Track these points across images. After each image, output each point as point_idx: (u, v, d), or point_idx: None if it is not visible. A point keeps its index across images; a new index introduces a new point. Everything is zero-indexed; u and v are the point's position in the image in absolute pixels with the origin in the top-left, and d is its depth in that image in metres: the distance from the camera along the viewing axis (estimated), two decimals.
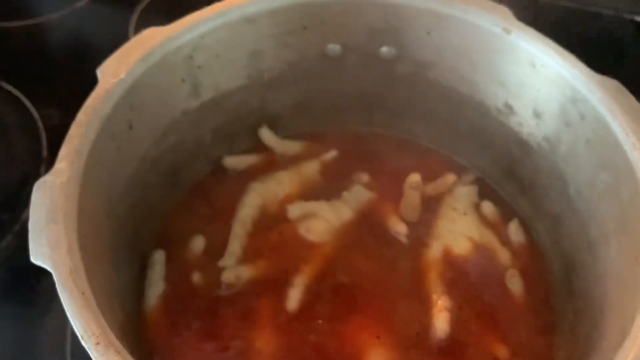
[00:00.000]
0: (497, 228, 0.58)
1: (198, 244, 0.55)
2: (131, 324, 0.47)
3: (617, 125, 0.44)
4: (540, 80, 0.51)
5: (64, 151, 0.40)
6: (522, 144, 0.55)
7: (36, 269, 0.62)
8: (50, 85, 0.78)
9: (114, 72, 0.44)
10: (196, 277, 0.53)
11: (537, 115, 0.53)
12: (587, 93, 0.46)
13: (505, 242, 0.57)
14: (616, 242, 0.44)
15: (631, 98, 0.45)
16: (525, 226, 0.58)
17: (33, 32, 0.85)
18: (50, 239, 0.36)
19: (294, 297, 0.52)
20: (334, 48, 0.57)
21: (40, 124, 0.74)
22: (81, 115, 0.42)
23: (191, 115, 0.54)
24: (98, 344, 0.32)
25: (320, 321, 0.51)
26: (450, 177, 0.59)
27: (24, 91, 0.78)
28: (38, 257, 0.35)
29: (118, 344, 0.32)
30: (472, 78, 0.56)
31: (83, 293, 0.34)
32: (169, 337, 0.50)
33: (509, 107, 0.55)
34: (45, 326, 0.59)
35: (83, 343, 0.32)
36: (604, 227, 0.46)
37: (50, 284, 0.60)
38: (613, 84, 0.46)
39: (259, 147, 0.63)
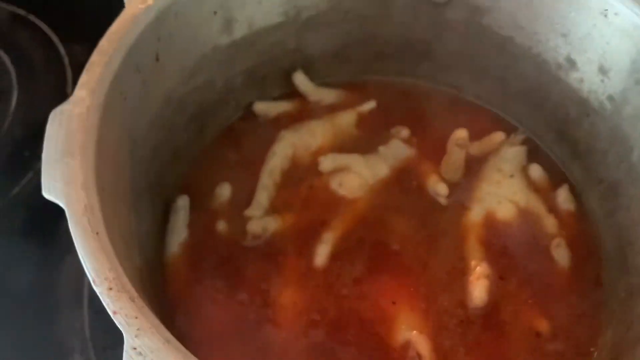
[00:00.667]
0: (545, 193, 0.54)
1: (224, 191, 0.52)
2: (150, 271, 0.45)
3: None
4: (611, 31, 0.45)
5: (85, 79, 0.37)
6: (582, 103, 0.50)
7: (57, 208, 0.61)
8: (78, 21, 0.76)
9: None
10: (221, 226, 0.51)
11: (602, 71, 0.47)
12: None
13: (552, 209, 0.53)
14: None
15: None
16: (576, 193, 0.53)
17: None
18: (64, 173, 0.33)
19: (321, 254, 0.49)
20: None
21: (66, 60, 0.72)
22: (104, 42, 0.38)
23: (222, 53, 0.51)
24: (111, 289, 0.29)
25: (347, 281, 0.48)
26: (498, 136, 0.55)
27: (51, 26, 0.75)
28: (51, 192, 0.32)
29: (133, 290, 0.30)
30: (532, 27, 0.50)
31: (97, 233, 0.31)
32: (189, 286, 0.48)
33: (571, 62, 0.50)
34: (63, 267, 0.58)
35: (95, 288, 0.30)
36: None
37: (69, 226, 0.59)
38: None
39: (292, 94, 0.59)
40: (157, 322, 0.29)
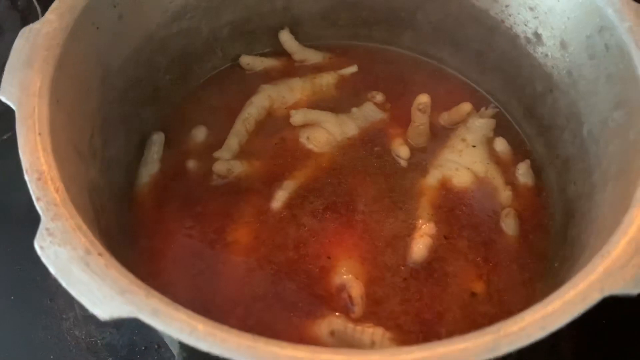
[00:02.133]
0: (506, 167, 0.55)
1: (199, 134, 0.56)
2: (116, 191, 0.49)
3: None
4: (570, 6, 0.46)
5: (56, 4, 0.41)
6: (546, 78, 0.51)
7: None
8: None
9: None
10: (191, 164, 0.54)
11: (563, 46, 0.48)
12: (616, 21, 0.42)
13: (511, 182, 0.54)
14: (613, 185, 0.40)
15: None
16: (536, 169, 0.54)
17: None
18: (21, 80, 0.37)
19: (279, 199, 0.52)
20: None
21: None
22: None
23: (207, 2, 0.54)
24: (39, 179, 0.33)
25: (299, 226, 0.51)
26: (466, 106, 0.56)
27: None
28: (6, 95, 0.36)
29: (59, 183, 0.33)
30: (504, 0, 0.51)
31: (39, 134, 0.35)
32: (154, 212, 0.52)
33: (538, 36, 0.51)
34: None
35: (25, 176, 0.33)
36: (607, 171, 0.42)
37: None
38: None
39: (278, 52, 0.62)
40: (74, 212, 0.33)
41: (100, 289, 0.29)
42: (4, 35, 0.76)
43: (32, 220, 0.59)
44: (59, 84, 0.39)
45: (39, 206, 0.32)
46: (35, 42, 0.39)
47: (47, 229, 0.31)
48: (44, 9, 0.76)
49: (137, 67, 0.50)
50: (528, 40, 0.52)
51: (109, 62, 0.46)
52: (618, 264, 0.32)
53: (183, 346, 0.32)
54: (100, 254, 0.31)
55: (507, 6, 0.52)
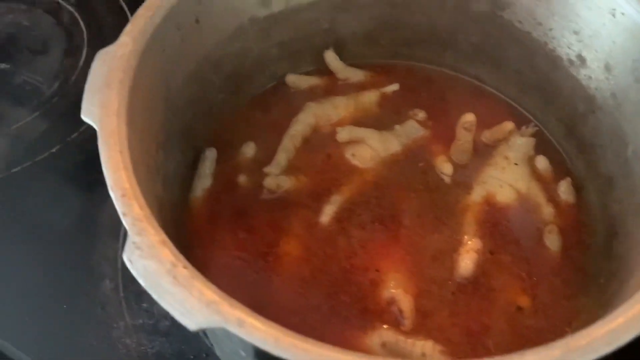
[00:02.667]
0: (547, 184, 0.56)
1: (249, 149, 0.58)
2: (173, 206, 0.51)
3: None
4: (617, 31, 0.48)
5: (129, 28, 0.43)
6: (589, 100, 0.53)
7: None
8: None
9: None
10: (242, 179, 0.56)
11: (608, 69, 0.50)
12: None
13: (552, 199, 0.55)
14: None
15: None
16: (577, 187, 0.56)
17: None
18: (101, 101, 0.39)
19: (327, 213, 0.54)
20: None
21: None
22: (150, 0, 0.44)
23: (259, 24, 0.56)
24: (124, 196, 0.35)
25: (347, 239, 0.52)
26: (508, 125, 0.58)
27: None
28: (87, 114, 0.38)
29: (142, 200, 0.35)
30: (548, 23, 0.53)
31: (121, 152, 0.37)
32: (207, 225, 0.54)
33: (581, 59, 0.52)
34: (106, 205, 0.64)
35: (111, 193, 0.36)
36: None
37: None
38: None
39: (322, 70, 0.64)
40: (157, 227, 0.35)
41: (187, 300, 0.31)
42: (50, 51, 0.79)
43: (80, 233, 0.62)
44: (133, 104, 0.41)
45: (125, 221, 0.34)
46: (112, 64, 0.41)
47: (134, 243, 0.33)
48: (88, 26, 0.80)
49: (194, 86, 0.52)
50: (571, 62, 0.53)
51: (171, 82, 0.49)
52: None
53: (259, 356, 0.34)
54: (185, 267, 0.33)
55: (550, 29, 0.53)
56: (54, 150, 0.68)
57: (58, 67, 0.76)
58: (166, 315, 0.57)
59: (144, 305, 0.58)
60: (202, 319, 0.31)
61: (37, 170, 0.67)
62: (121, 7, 0.83)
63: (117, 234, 0.63)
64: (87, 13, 0.82)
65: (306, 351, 0.30)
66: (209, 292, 0.32)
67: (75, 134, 0.70)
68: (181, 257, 0.34)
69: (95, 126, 0.38)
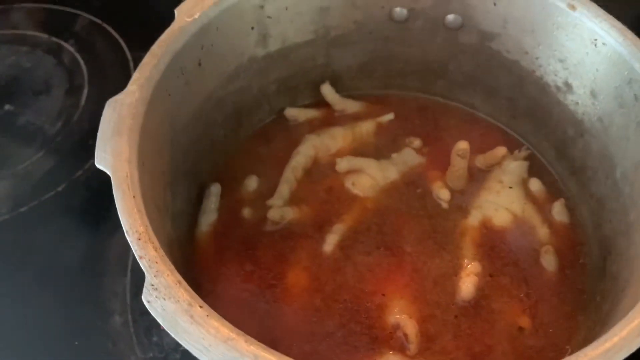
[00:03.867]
0: (542, 206, 0.58)
1: (252, 183, 0.60)
2: (182, 243, 0.53)
3: None
4: (599, 59, 0.50)
5: (136, 76, 0.45)
6: (577, 124, 0.55)
7: (111, 192, 0.70)
8: (145, 31, 0.86)
9: (189, 12, 0.49)
10: (246, 212, 0.58)
11: (593, 95, 0.52)
12: None
13: (547, 220, 0.57)
14: None
15: None
16: (570, 207, 0.58)
17: None
18: (113, 148, 0.41)
19: (330, 242, 0.55)
20: (400, 12, 0.59)
21: (131, 64, 0.82)
22: (155, 47, 0.47)
23: (258, 63, 0.58)
24: (139, 239, 0.37)
25: (350, 267, 0.54)
26: (501, 150, 0.60)
27: (121, 34, 0.86)
28: (101, 162, 0.40)
29: (157, 242, 0.37)
30: (534, 53, 0.56)
31: (134, 197, 0.39)
32: (214, 260, 0.55)
33: (568, 86, 0.55)
34: (113, 241, 0.66)
35: (127, 237, 0.37)
36: None
37: None
38: None
39: (319, 103, 0.67)
40: (172, 268, 0.36)
41: (205, 338, 0.33)
42: (52, 91, 0.81)
43: (88, 269, 0.63)
44: (143, 148, 0.43)
45: (142, 264, 0.36)
46: (121, 112, 0.43)
47: (152, 285, 0.35)
48: (88, 65, 0.82)
49: (197, 125, 0.54)
50: (558, 88, 0.56)
51: (176, 123, 0.51)
52: None
53: None
54: (201, 306, 0.34)
55: (537, 58, 0.56)
56: (59, 188, 0.70)
57: (60, 107, 0.78)
58: (176, 349, 0.58)
59: (154, 339, 0.59)
60: (220, 355, 0.32)
61: (44, 209, 0.68)
62: (120, 46, 0.85)
63: (125, 269, 0.64)
64: (87, 53, 0.84)
65: None
66: (225, 330, 0.33)
67: (80, 172, 0.71)
68: (196, 296, 0.35)
69: (109, 173, 0.40)
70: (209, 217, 0.58)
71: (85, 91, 0.80)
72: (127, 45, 0.84)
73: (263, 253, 0.55)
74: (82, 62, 0.83)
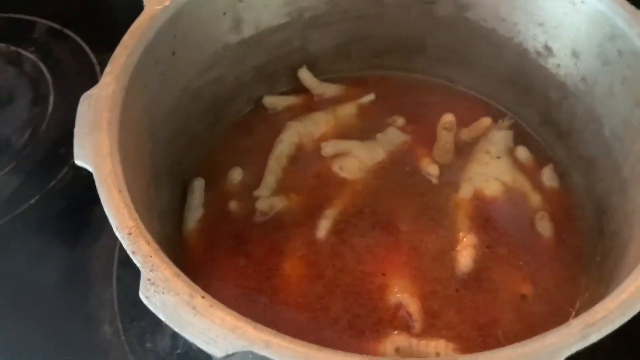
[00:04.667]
0: (531, 173, 0.58)
1: (236, 175, 0.58)
2: (169, 242, 0.50)
3: None
4: (579, 19, 0.50)
5: (110, 68, 0.43)
6: (560, 87, 0.55)
7: (90, 198, 0.67)
8: (107, 32, 0.83)
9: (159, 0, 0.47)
10: (233, 205, 0.56)
11: (575, 55, 0.52)
12: (626, 28, 0.46)
13: (537, 186, 0.57)
14: None
15: None
16: (559, 172, 0.57)
17: None
18: (93, 144, 0.39)
19: (323, 228, 0.54)
20: None
21: (97, 68, 0.80)
22: (126, 38, 0.45)
23: (233, 50, 0.57)
24: (130, 234, 0.35)
25: (346, 251, 0.53)
26: (486, 121, 0.59)
27: (83, 37, 0.83)
28: (81, 158, 0.38)
29: (148, 236, 0.35)
30: (512, 19, 0.55)
31: (120, 191, 0.37)
32: (205, 257, 0.53)
33: (548, 49, 0.55)
34: (95, 248, 0.64)
35: (117, 233, 0.35)
36: (636, 166, 0.46)
37: (101, 213, 0.65)
38: None
39: (298, 88, 0.65)
40: (168, 261, 0.34)
41: (211, 329, 0.31)
42: (16, 101, 0.78)
43: (71, 281, 0.61)
44: (123, 142, 0.41)
45: (136, 259, 0.34)
46: (97, 105, 0.41)
47: (149, 280, 0.33)
48: (52, 72, 0.79)
49: (176, 118, 0.52)
50: (539, 53, 0.55)
51: (155, 117, 0.49)
52: None
53: None
54: (203, 297, 0.32)
55: (515, 24, 0.55)
56: (32, 201, 0.67)
57: (26, 117, 0.76)
58: (172, 352, 0.57)
59: (148, 345, 0.57)
60: (229, 345, 0.30)
61: (18, 223, 0.66)
62: (83, 50, 0.83)
63: (110, 276, 0.62)
64: (50, 59, 0.81)
65: None
66: (231, 319, 0.32)
67: (53, 182, 0.69)
68: (196, 287, 0.34)
69: (90, 169, 0.38)
70: (195, 213, 0.56)
71: (52, 98, 0.77)
72: (91, 48, 0.82)
73: (255, 245, 0.54)
74: (45, 69, 0.81)
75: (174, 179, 0.54)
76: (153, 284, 0.33)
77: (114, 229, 0.35)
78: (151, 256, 0.34)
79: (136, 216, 0.36)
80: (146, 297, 0.32)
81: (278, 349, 0.30)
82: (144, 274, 0.33)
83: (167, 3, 0.47)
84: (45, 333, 0.59)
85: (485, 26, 0.58)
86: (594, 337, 0.31)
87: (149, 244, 0.35)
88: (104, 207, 0.36)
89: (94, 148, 0.38)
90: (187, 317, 0.32)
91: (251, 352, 0.30)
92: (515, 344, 0.32)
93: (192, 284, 0.34)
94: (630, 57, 0.46)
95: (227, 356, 0.30)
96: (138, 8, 0.48)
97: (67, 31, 0.84)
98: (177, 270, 0.34)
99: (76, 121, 0.40)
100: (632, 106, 0.46)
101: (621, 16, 0.46)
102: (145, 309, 0.58)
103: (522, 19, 0.55)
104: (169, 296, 0.32)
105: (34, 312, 0.60)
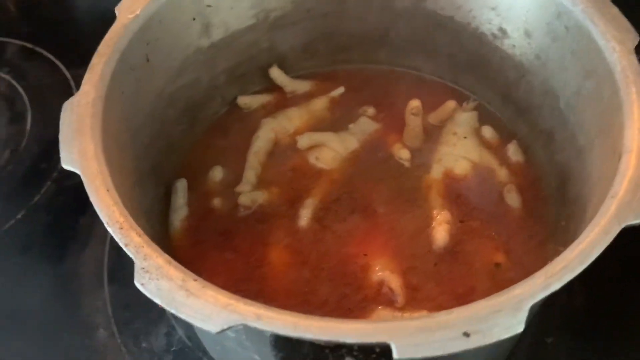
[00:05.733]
0: (497, 150, 0.61)
1: (217, 173, 0.60)
2: (157, 242, 0.52)
3: (598, 32, 0.47)
4: (528, 1, 0.53)
5: (88, 77, 0.45)
6: (517, 66, 0.58)
7: (74, 209, 0.69)
8: (80, 48, 0.85)
9: (130, 9, 0.49)
10: (216, 202, 0.58)
11: (527, 34, 0.55)
12: (570, 5, 0.49)
13: (504, 162, 0.60)
14: (599, 142, 0.47)
15: (612, 6, 0.48)
16: (523, 147, 0.61)
17: (61, 2, 0.92)
18: (78, 148, 0.41)
19: (304, 216, 0.57)
20: None
21: (72, 82, 0.81)
22: (102, 47, 0.47)
23: (204, 54, 0.59)
24: (122, 228, 0.37)
25: (328, 237, 0.55)
26: (451, 104, 0.62)
27: (56, 55, 0.84)
28: (68, 163, 0.40)
29: (139, 229, 0.37)
30: (467, 6, 0.59)
31: (108, 190, 0.39)
32: (193, 255, 0.55)
33: (503, 31, 0.58)
34: (84, 256, 0.65)
35: (108, 228, 0.37)
36: (590, 133, 0.49)
37: (87, 222, 0.67)
38: None
39: (270, 87, 0.68)
40: (159, 250, 0.37)
41: (205, 307, 0.33)
42: None
43: (63, 290, 0.62)
44: (107, 146, 0.43)
45: (128, 250, 0.36)
46: (79, 112, 0.43)
47: (143, 268, 0.35)
48: (27, 90, 0.81)
49: (154, 122, 0.55)
50: (494, 36, 0.59)
51: (134, 122, 0.51)
52: (626, 200, 0.38)
53: (277, 348, 0.36)
54: (195, 280, 0.35)
55: (470, 10, 0.59)
56: (19, 216, 0.68)
57: (5, 136, 0.76)
58: (168, 349, 0.58)
59: (144, 345, 0.59)
60: (223, 321, 0.33)
61: (6, 240, 0.67)
62: (57, 67, 0.84)
63: (101, 282, 0.63)
64: (24, 79, 0.82)
65: (322, 328, 0.32)
66: (222, 297, 0.34)
67: (37, 197, 0.70)
68: (188, 271, 0.36)
69: (78, 172, 0.40)
70: (179, 213, 0.58)
71: (29, 116, 0.78)
72: (64, 64, 0.83)
73: (241, 239, 0.56)
74: (20, 88, 0.82)
75: (157, 180, 0.56)
76: (147, 272, 0.35)
77: (106, 225, 0.37)
78: (143, 247, 0.36)
79: (126, 212, 0.38)
80: (142, 284, 0.34)
81: (269, 320, 0.33)
82: (138, 263, 0.35)
83: (138, 12, 0.49)
84: (42, 345, 0.60)
85: (442, 14, 0.61)
86: (556, 285, 0.34)
87: (140, 236, 0.37)
88: (94, 206, 0.38)
89: (80, 152, 0.40)
90: (182, 299, 0.34)
91: (244, 325, 0.33)
92: (486, 298, 0.34)
93: (184, 269, 0.36)
94: (576, 32, 0.49)
95: (223, 331, 0.33)
96: (107, 22, 0.50)
97: (39, 49, 0.85)
98: (169, 258, 0.36)
99: (60, 128, 0.42)
100: (582, 77, 0.49)
101: None
102: (139, 311, 0.60)
103: (476, 5, 0.58)
104: (163, 282, 0.34)
105: (29, 326, 0.61)
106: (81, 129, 0.42)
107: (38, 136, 0.76)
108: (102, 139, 0.43)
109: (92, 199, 0.38)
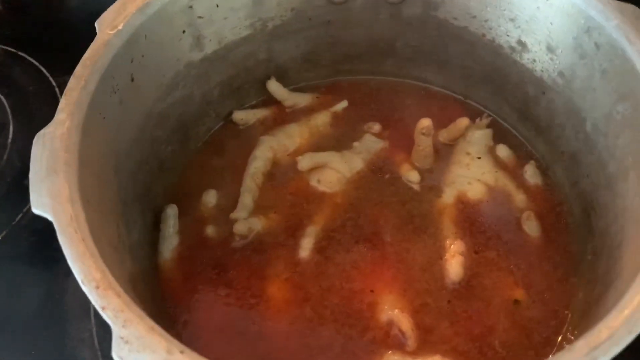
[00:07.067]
0: (513, 171, 0.57)
1: (210, 198, 0.56)
2: (145, 276, 0.48)
3: (635, 51, 0.42)
4: (552, 12, 0.48)
5: (63, 103, 0.40)
6: (537, 82, 0.53)
7: None
8: (66, 55, 0.80)
9: (111, 23, 0.44)
10: (209, 230, 0.54)
11: (550, 49, 0.50)
12: (603, 20, 0.44)
13: (521, 185, 0.56)
14: (635, 175, 0.42)
15: None
16: (542, 168, 0.56)
17: (48, 5, 0.87)
18: (50, 189, 0.36)
19: (305, 247, 0.52)
20: None
21: (57, 91, 0.76)
22: (79, 68, 0.42)
23: (196, 68, 0.54)
24: (98, 287, 0.32)
25: (331, 270, 0.51)
26: (463, 121, 0.58)
27: (41, 61, 0.79)
28: (39, 207, 0.35)
29: (119, 288, 0.33)
30: (483, 15, 0.54)
31: (83, 240, 0.34)
32: (183, 288, 0.51)
33: (522, 44, 0.53)
34: (70, 283, 0.61)
35: (83, 287, 0.33)
36: (623, 161, 0.44)
37: None
38: (630, 9, 0.44)
39: (268, 101, 0.63)
40: (142, 313, 0.32)
41: None
42: None
43: (47, 318, 0.58)
44: (84, 183, 0.38)
45: (106, 315, 0.32)
46: (53, 146, 0.38)
47: (122, 338, 0.30)
48: (10, 101, 0.76)
49: (141, 145, 0.50)
50: (512, 49, 0.54)
51: (118, 148, 0.46)
52: None
53: None
54: (182, 352, 0.30)
55: (486, 21, 0.54)
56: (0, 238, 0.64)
57: None
58: None
59: None
60: None
61: None
62: (42, 73, 0.79)
63: (88, 311, 0.59)
64: (6, 86, 0.77)
65: None
66: None
67: (20, 215, 0.65)
68: (174, 340, 0.31)
69: (49, 217, 0.35)
70: (170, 242, 0.53)
71: (11, 128, 0.73)
72: (49, 71, 0.78)
73: (237, 272, 0.52)
74: (1, 96, 0.77)
75: (145, 208, 0.51)
76: (127, 342, 0.30)
77: (80, 284, 0.33)
78: (122, 311, 0.32)
79: (103, 266, 0.34)
80: (120, 357, 0.30)
81: None
82: (116, 332, 0.31)
83: (120, 26, 0.44)
84: None
85: (455, 24, 0.56)
86: None
87: (119, 297, 0.32)
88: (68, 259, 0.34)
89: (52, 194, 0.36)
90: None
91: None
92: None
93: (169, 337, 0.31)
94: (608, 50, 0.44)
95: None
96: (92, 26, 0.45)
97: (22, 54, 0.80)
98: (152, 324, 0.32)
99: (31, 165, 0.38)
100: (614, 100, 0.45)
101: (595, 8, 0.44)
102: None
103: (492, 15, 0.53)
104: (145, 355, 0.30)
105: (11, 354, 0.57)
106: (54, 166, 0.37)
107: (20, 149, 0.71)
108: (78, 176, 0.38)
109: (66, 251, 0.34)
